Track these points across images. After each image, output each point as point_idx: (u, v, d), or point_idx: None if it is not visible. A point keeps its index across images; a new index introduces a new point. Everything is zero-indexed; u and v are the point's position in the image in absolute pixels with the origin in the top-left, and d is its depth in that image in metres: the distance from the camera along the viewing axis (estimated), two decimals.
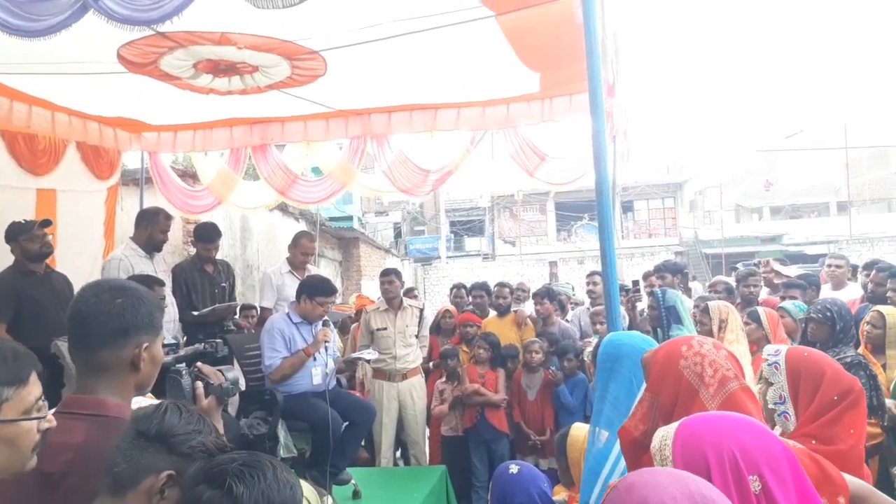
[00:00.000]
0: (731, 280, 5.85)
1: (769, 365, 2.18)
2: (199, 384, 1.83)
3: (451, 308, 6.56)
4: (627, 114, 5.18)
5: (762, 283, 5.77)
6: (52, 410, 1.60)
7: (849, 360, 3.43)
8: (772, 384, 2.16)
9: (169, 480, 1.36)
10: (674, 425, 1.33)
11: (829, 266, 5.84)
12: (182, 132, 5.97)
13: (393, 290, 5.58)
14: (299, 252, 5.52)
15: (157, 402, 1.74)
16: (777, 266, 6.29)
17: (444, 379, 5.54)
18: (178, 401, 1.44)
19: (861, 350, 3.92)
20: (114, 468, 1.36)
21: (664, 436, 1.32)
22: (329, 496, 4.07)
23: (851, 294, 5.41)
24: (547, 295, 6.03)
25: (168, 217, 5.10)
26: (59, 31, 2.65)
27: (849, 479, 1.71)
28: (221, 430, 1.94)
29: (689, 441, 1.27)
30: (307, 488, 2.25)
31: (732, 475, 1.20)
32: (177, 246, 7.02)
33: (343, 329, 6.88)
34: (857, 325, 4.00)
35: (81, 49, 3.60)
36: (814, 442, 1.99)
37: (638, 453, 1.69)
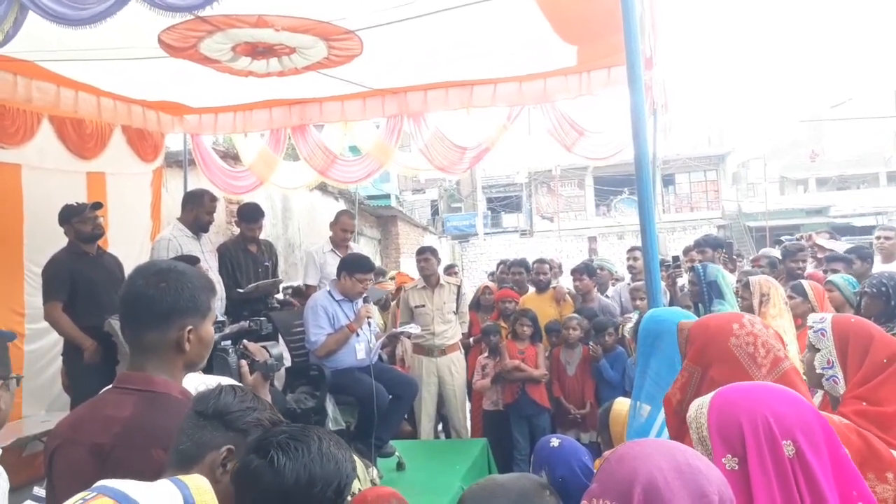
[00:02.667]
0: (776, 253, 5.73)
1: (815, 332, 2.17)
2: (244, 362, 1.88)
3: (491, 285, 6.58)
4: (667, 87, 5.09)
5: (808, 258, 5.64)
6: (109, 386, 1.69)
7: None
8: (818, 350, 2.15)
9: (229, 455, 1.43)
10: (709, 395, 1.34)
11: (879, 238, 5.69)
12: (222, 114, 6.08)
13: (429, 268, 5.64)
14: (339, 229, 5.61)
15: (205, 377, 1.81)
16: (820, 240, 6.14)
17: (486, 354, 5.60)
18: (234, 383, 1.50)
19: None
20: (179, 446, 1.43)
21: (700, 405, 1.34)
22: (374, 467, 4.16)
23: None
24: (586, 271, 6.01)
25: (213, 199, 5.21)
26: (104, 20, 2.71)
27: None
28: None
29: (724, 409, 1.28)
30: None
31: (766, 440, 1.22)
32: (220, 226, 7.16)
33: (384, 306, 6.96)
34: None
35: (124, 35, 3.68)
36: (864, 404, 1.99)
37: (679, 422, 1.70)
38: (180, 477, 1.27)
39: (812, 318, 2.24)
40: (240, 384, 1.51)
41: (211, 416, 1.44)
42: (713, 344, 1.78)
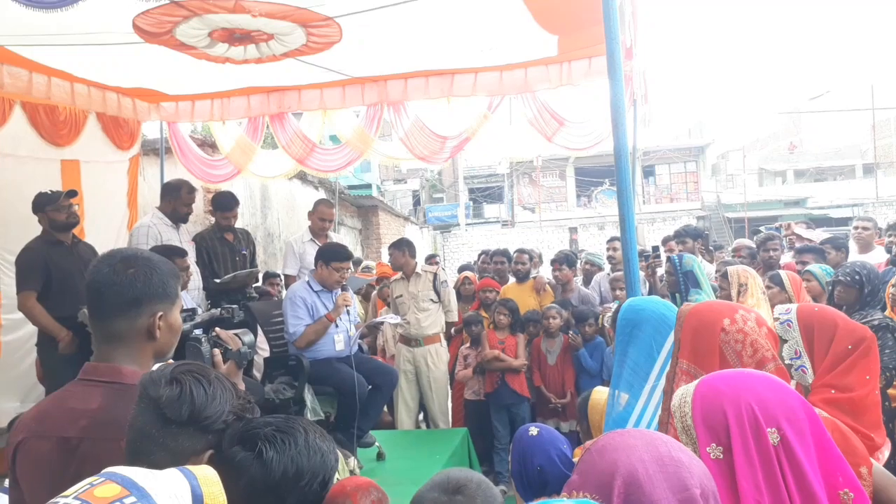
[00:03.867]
0: (748, 241, 5.79)
1: (781, 323, 2.23)
2: (217, 350, 1.85)
3: (470, 275, 6.59)
4: (647, 77, 5.10)
5: (783, 247, 5.70)
6: (75, 379, 1.65)
7: (876, 322, 3.40)
8: (786, 341, 2.21)
9: (212, 458, 1.39)
10: (693, 384, 1.34)
11: (857, 228, 5.77)
12: (200, 102, 6.00)
13: (395, 261, 5.72)
14: (317, 218, 5.58)
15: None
16: (798, 229, 6.21)
17: (468, 345, 5.60)
18: (192, 369, 1.42)
19: (888, 313, 3.89)
20: (150, 456, 1.34)
21: (684, 394, 1.33)
22: (354, 458, 4.15)
23: (878, 257, 5.34)
24: (565, 261, 6.03)
25: (191, 190, 5.16)
26: (75, 3, 2.66)
27: (875, 465, 1.71)
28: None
29: (708, 397, 1.27)
30: None
31: (751, 428, 1.21)
32: (198, 215, 7.09)
33: (365, 296, 6.95)
34: (884, 288, 3.96)
35: (98, 20, 3.61)
36: (833, 391, 2.03)
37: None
38: (189, 467, 1.25)
39: (778, 310, 2.29)
40: (199, 369, 1.44)
41: (186, 422, 1.35)
42: (701, 339, 1.78)
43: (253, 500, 1.40)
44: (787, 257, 5.68)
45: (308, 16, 3.87)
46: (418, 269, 5.72)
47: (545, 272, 6.60)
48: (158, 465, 1.32)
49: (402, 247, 5.75)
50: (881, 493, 1.49)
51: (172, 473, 1.17)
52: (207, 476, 1.18)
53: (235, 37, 4.14)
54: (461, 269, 7.71)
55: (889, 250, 5.20)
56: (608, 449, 1.09)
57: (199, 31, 4.00)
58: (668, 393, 1.81)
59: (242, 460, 1.39)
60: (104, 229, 5.57)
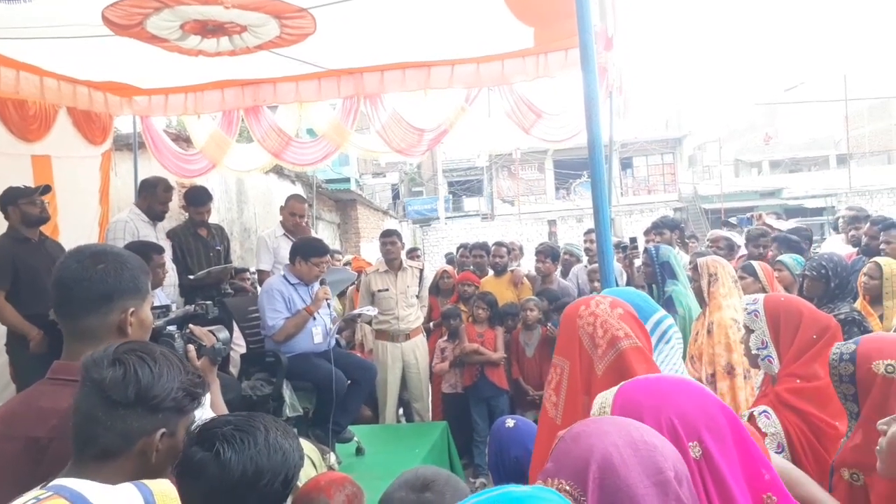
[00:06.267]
0: (725, 233, 5.83)
1: (749, 313, 2.25)
2: (191, 347, 1.83)
3: (449, 268, 6.59)
4: (623, 68, 5.12)
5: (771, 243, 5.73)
6: (43, 378, 1.61)
7: (842, 316, 3.39)
8: (753, 331, 2.23)
9: (163, 437, 1.35)
10: (612, 392, 1.31)
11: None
12: (173, 95, 5.90)
13: (394, 251, 5.61)
14: (288, 213, 5.52)
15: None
16: (769, 220, 6.30)
17: (445, 338, 5.59)
18: (134, 348, 1.37)
19: (859, 302, 3.94)
20: (98, 438, 1.30)
21: (603, 402, 1.30)
22: (332, 453, 4.13)
23: (834, 246, 5.41)
24: (550, 254, 6.05)
25: (167, 188, 5.11)
26: None
27: (777, 461, 1.70)
28: (218, 391, 1.97)
29: (627, 409, 1.24)
30: (308, 447, 2.29)
31: (671, 443, 1.17)
32: (173, 211, 7.00)
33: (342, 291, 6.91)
34: (854, 278, 4.02)
35: (65, 12, 3.54)
36: (798, 381, 2.05)
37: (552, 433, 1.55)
38: (145, 482, 1.22)
39: (746, 300, 2.32)
40: (140, 347, 1.40)
41: (133, 402, 1.30)
42: (566, 331, 1.80)
43: (212, 501, 1.39)
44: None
45: (281, 7, 3.83)
46: (405, 264, 5.69)
47: (528, 264, 6.61)
48: (108, 448, 1.31)
49: (400, 238, 5.72)
50: (792, 491, 1.47)
51: (126, 488, 1.14)
52: (164, 491, 1.16)
53: (208, 29, 4.09)
54: (449, 260, 7.72)
55: (856, 243, 5.27)
56: (582, 435, 1.10)
57: (170, 23, 3.94)
58: (548, 408, 1.80)
59: (200, 460, 1.37)
60: (76, 226, 5.47)
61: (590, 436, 1.08)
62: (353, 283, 6.16)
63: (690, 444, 1.19)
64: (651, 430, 1.12)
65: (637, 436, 1.07)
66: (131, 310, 1.58)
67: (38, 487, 1.29)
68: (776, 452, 1.98)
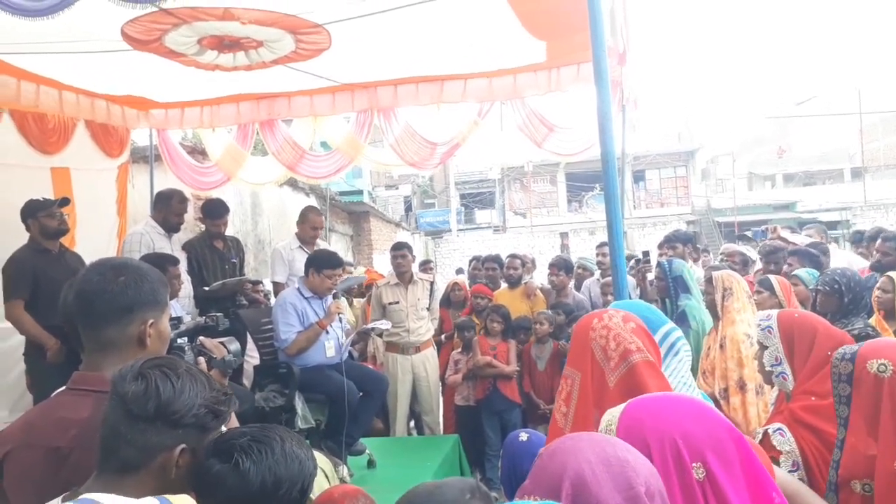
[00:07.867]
0: (738, 248, 5.80)
1: (762, 329, 2.23)
2: (202, 359, 1.85)
3: (460, 281, 6.59)
4: (636, 82, 5.13)
5: (787, 256, 5.69)
6: (63, 388, 1.64)
7: (856, 332, 3.34)
8: (767, 347, 2.21)
9: (183, 453, 1.36)
10: (618, 410, 1.31)
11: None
12: (189, 109, 5.98)
13: (405, 265, 5.62)
14: (308, 227, 5.54)
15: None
16: (784, 233, 6.25)
17: (459, 350, 5.59)
18: (160, 363, 1.39)
19: (874, 318, 3.90)
20: (118, 452, 1.32)
21: (609, 420, 1.31)
22: (344, 466, 4.14)
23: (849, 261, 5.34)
24: (564, 267, 6.04)
25: (182, 200, 5.16)
26: (61, 10, 2.65)
27: (779, 474, 1.69)
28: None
29: (633, 429, 1.24)
30: (321, 459, 2.30)
31: (674, 464, 1.19)
32: (189, 223, 7.07)
33: (358, 297, 6.92)
34: (869, 294, 3.97)
35: (85, 27, 3.60)
36: (813, 398, 2.03)
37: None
38: (168, 496, 1.23)
39: (759, 316, 2.29)
40: (166, 363, 1.42)
41: (153, 417, 1.32)
42: (578, 343, 1.81)
43: None
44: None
45: (297, 23, 3.88)
46: (415, 277, 5.71)
47: (540, 277, 6.61)
48: (128, 462, 1.32)
49: (411, 251, 5.74)
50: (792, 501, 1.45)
51: (150, 502, 1.16)
52: None
53: (225, 44, 4.15)
54: (459, 272, 7.71)
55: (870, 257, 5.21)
56: (558, 452, 1.12)
57: (188, 38, 4.00)
58: (558, 419, 1.81)
59: (219, 472, 1.38)
60: (94, 237, 5.54)
61: (565, 453, 1.10)
62: (361, 285, 6.17)
63: (694, 465, 1.19)
64: (626, 445, 1.13)
65: (611, 451, 1.09)
66: (150, 321, 1.61)
67: (60, 499, 1.31)
68: (791, 471, 1.97)
